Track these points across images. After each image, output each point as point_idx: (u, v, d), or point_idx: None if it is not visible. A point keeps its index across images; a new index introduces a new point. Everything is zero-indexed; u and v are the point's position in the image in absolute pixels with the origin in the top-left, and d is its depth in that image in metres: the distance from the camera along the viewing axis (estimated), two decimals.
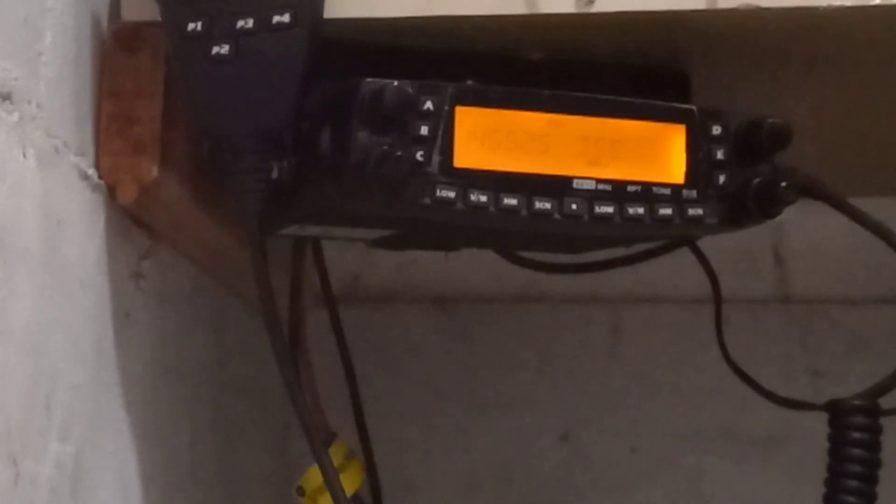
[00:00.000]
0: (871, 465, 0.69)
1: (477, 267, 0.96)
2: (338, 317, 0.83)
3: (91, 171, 0.63)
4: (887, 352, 0.69)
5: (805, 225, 0.93)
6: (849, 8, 0.62)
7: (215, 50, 0.59)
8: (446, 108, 0.58)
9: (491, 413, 0.98)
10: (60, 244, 0.60)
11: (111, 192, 0.64)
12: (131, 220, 0.68)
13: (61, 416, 0.59)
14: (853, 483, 0.69)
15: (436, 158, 0.58)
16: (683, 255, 0.81)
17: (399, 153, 0.56)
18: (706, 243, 0.81)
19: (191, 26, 0.60)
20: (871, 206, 0.70)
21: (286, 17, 0.59)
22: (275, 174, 0.61)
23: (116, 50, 0.64)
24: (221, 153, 0.61)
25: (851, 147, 0.81)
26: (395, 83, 0.57)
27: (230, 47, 0.59)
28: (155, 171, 0.64)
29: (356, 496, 0.80)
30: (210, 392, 0.84)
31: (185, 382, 0.78)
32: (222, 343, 0.86)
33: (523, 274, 0.88)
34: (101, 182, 0.63)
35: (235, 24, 0.59)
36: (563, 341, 0.97)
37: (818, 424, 0.71)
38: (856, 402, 0.69)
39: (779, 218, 0.64)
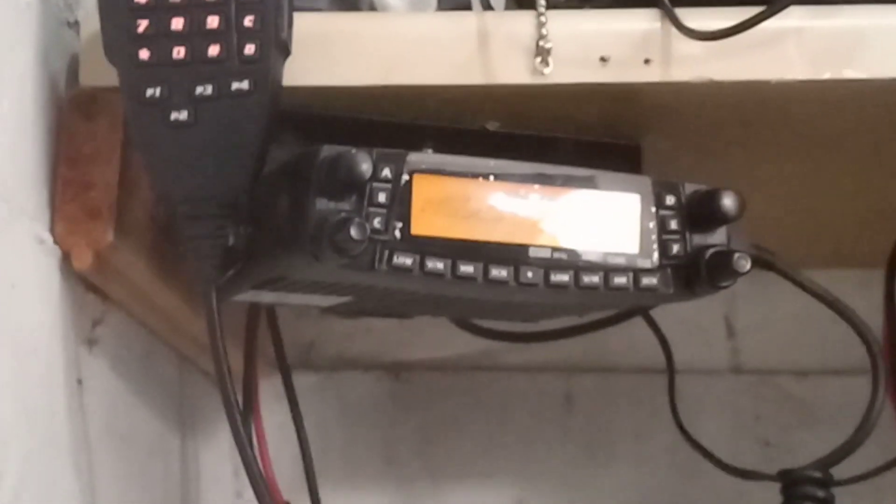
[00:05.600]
0: None
1: (431, 335, 0.96)
2: (291, 384, 0.82)
3: (46, 236, 0.63)
4: (837, 422, 0.69)
5: (756, 296, 0.93)
6: (800, 82, 0.63)
7: (174, 116, 0.59)
8: (404, 175, 0.58)
9: (445, 482, 0.97)
10: (13, 309, 0.59)
11: (66, 258, 0.64)
12: (86, 285, 0.67)
13: (12, 483, 0.58)
14: None
15: (393, 225, 0.58)
16: (637, 325, 0.82)
17: (357, 220, 0.56)
18: (659, 313, 0.82)
19: (149, 92, 0.60)
20: (821, 277, 0.71)
21: (245, 85, 0.59)
22: (231, 241, 0.61)
23: (74, 115, 0.65)
24: (178, 218, 0.61)
25: (803, 219, 0.82)
26: (354, 150, 0.57)
27: (189, 113, 0.59)
28: (110, 237, 0.64)
29: None
30: (162, 460, 0.83)
31: (137, 450, 0.77)
32: (175, 411, 0.86)
33: (477, 342, 0.88)
34: (56, 247, 0.63)
35: (194, 90, 0.59)
36: (516, 410, 0.97)
37: (770, 495, 0.71)
38: (808, 473, 0.69)
39: (731, 288, 0.64)
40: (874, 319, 0.74)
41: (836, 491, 0.70)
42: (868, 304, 0.73)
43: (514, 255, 0.60)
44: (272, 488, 0.76)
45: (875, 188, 0.77)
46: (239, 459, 0.63)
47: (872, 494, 0.76)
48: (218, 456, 0.94)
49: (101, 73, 0.62)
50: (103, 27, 0.60)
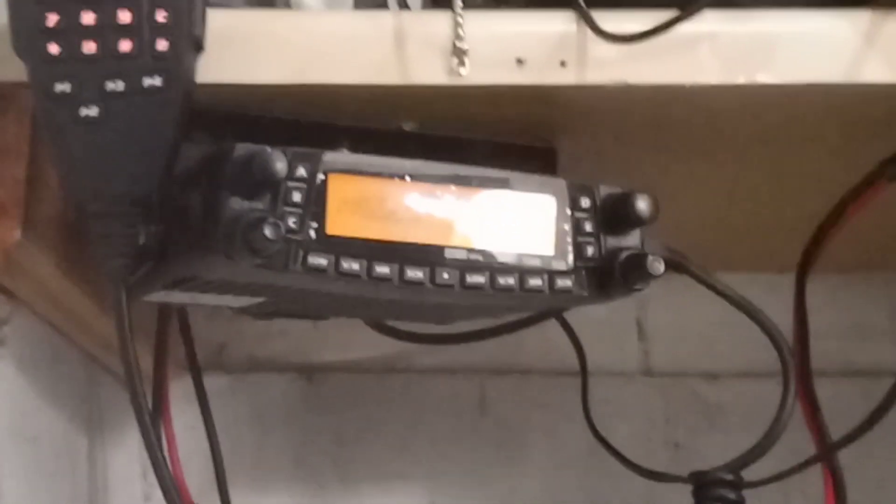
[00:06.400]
0: None
1: (344, 337, 0.95)
2: (202, 386, 0.82)
3: None
4: (748, 425, 0.70)
5: (668, 298, 0.94)
6: (714, 86, 0.64)
7: (83, 112, 0.59)
8: (320, 175, 0.58)
9: (357, 484, 0.97)
10: None
11: None
12: None
13: None
14: None
15: (308, 225, 0.58)
16: (550, 327, 0.82)
17: (271, 219, 0.55)
18: (571, 315, 0.82)
19: (59, 87, 0.59)
20: (733, 281, 0.72)
21: (157, 81, 0.59)
22: (141, 239, 0.60)
23: None
24: (87, 216, 0.60)
25: (716, 222, 0.83)
26: (268, 149, 0.57)
27: (99, 109, 0.59)
28: (17, 235, 0.63)
29: None
30: (70, 462, 0.82)
31: (44, 452, 0.76)
32: (83, 412, 0.85)
33: (391, 344, 0.88)
34: None
35: (105, 85, 0.59)
36: (429, 412, 0.97)
37: (681, 497, 0.71)
38: (719, 475, 0.70)
39: (643, 291, 0.64)
40: (784, 323, 0.74)
41: (746, 493, 0.70)
42: (779, 308, 0.74)
43: (429, 256, 0.60)
44: (181, 491, 0.75)
45: (787, 192, 0.78)
46: (148, 461, 0.62)
47: (780, 496, 0.77)
48: (126, 458, 0.93)
49: (9, 68, 0.61)
50: (11, 20, 0.59)
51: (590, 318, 0.81)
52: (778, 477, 0.73)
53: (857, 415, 0.73)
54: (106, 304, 0.62)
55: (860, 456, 0.75)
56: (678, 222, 0.67)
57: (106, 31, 0.58)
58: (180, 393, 0.81)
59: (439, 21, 0.63)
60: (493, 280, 0.61)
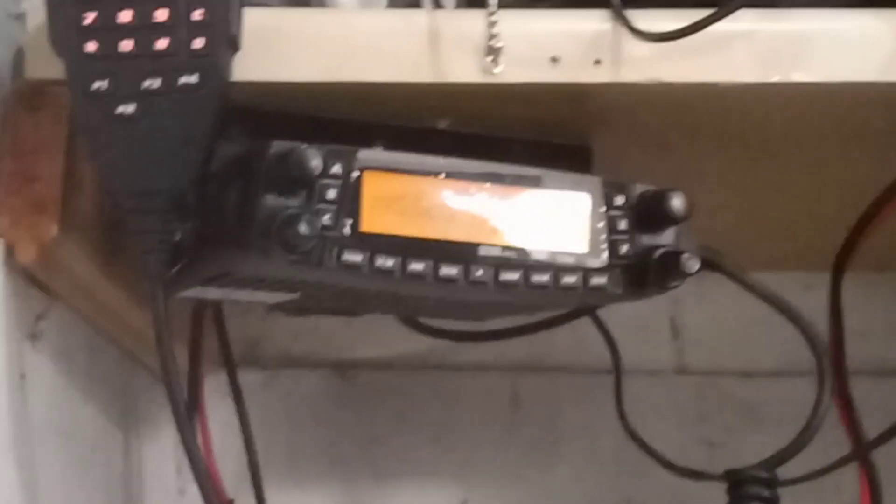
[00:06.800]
0: None
1: (377, 334, 0.95)
2: (237, 381, 0.82)
3: None
4: (781, 423, 0.70)
5: (702, 297, 0.94)
6: (749, 84, 0.64)
7: (120, 109, 0.59)
8: (354, 172, 0.58)
9: (389, 481, 0.97)
10: None
11: (10, 251, 0.63)
12: (29, 279, 0.67)
13: None
14: None
15: (343, 222, 0.58)
16: (583, 325, 0.82)
17: (306, 216, 0.56)
18: (604, 313, 0.82)
19: (96, 85, 0.59)
20: (767, 279, 0.71)
21: (193, 79, 0.59)
22: (178, 236, 0.60)
23: (18, 107, 0.64)
24: (124, 213, 0.60)
25: (750, 220, 0.83)
26: (304, 146, 0.57)
27: (136, 107, 0.59)
28: (55, 231, 0.63)
29: None
30: (105, 456, 0.82)
31: (80, 446, 0.77)
32: (119, 407, 0.85)
33: (423, 341, 0.88)
34: (0, 240, 0.63)
35: (142, 83, 0.59)
36: (462, 409, 0.97)
37: (715, 494, 0.71)
38: (754, 472, 0.69)
39: (677, 289, 0.64)
40: (820, 321, 0.74)
41: (780, 491, 0.70)
42: (814, 307, 0.73)
43: (464, 253, 0.60)
44: (216, 486, 0.76)
45: (821, 190, 0.78)
46: (182, 456, 0.62)
47: (815, 494, 0.77)
48: (161, 452, 0.93)
49: (47, 66, 0.61)
50: (50, 19, 0.60)
51: (623, 315, 0.81)
52: (813, 475, 0.72)
53: (893, 413, 0.73)
54: (142, 300, 0.62)
55: None
56: (712, 220, 0.67)
57: (143, 30, 0.59)
58: (214, 388, 0.82)
59: (473, 19, 0.64)
60: (527, 277, 0.61)
